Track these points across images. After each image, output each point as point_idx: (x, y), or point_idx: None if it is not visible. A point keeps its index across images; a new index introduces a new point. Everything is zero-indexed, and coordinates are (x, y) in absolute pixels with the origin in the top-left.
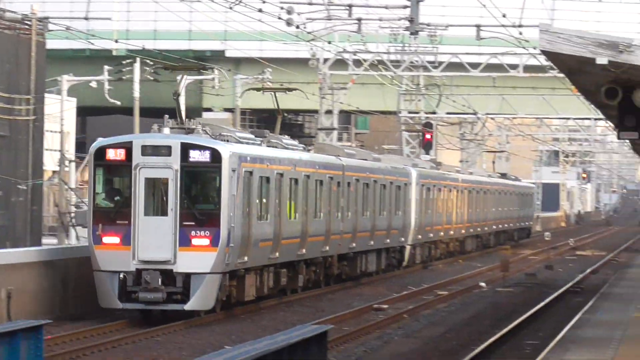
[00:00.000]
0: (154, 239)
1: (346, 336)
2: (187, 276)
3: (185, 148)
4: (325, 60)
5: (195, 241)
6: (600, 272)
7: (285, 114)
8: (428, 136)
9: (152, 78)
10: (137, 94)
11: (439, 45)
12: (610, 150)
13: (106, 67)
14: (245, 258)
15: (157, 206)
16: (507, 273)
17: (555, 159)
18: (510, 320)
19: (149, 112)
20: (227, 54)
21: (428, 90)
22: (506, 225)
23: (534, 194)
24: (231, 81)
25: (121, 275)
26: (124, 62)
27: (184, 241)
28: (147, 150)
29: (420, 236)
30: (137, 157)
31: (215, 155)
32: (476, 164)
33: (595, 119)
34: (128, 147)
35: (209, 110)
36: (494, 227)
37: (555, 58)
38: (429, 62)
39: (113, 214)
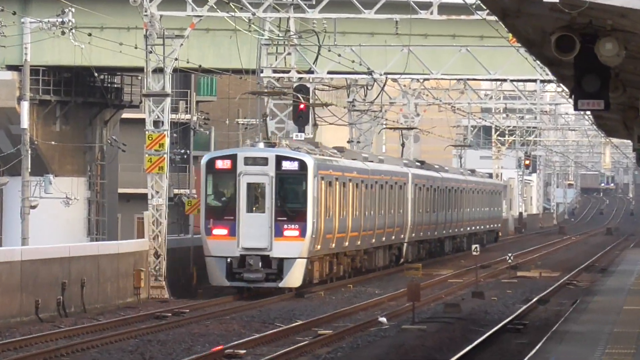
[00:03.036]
0: (254, 231)
1: None
2: (281, 260)
3: (279, 159)
4: None
5: (286, 233)
6: (552, 302)
7: (96, 74)
8: (302, 105)
9: None
10: None
11: None
12: (564, 126)
13: None
14: (318, 247)
15: (256, 205)
16: (417, 303)
17: (485, 139)
18: None
19: None
20: None
21: (302, 40)
22: (477, 227)
23: (502, 192)
24: (17, 26)
25: (228, 260)
26: None
27: (278, 232)
28: (248, 161)
29: (414, 234)
30: (240, 166)
31: (303, 165)
32: (371, 144)
33: (543, 82)
34: (233, 159)
35: None
36: (468, 228)
37: None
38: (303, 0)
39: (221, 211)
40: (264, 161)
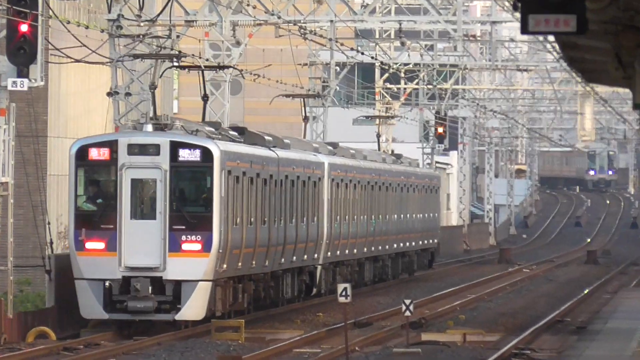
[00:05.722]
0: (141, 244)
1: None
2: (178, 284)
3: (175, 147)
4: None
5: (185, 246)
6: None
7: None
8: (24, 27)
9: None
10: None
11: None
12: (507, 63)
13: None
14: (225, 266)
15: (144, 209)
16: None
17: (364, 88)
18: None
19: None
20: None
21: None
22: (406, 243)
23: (439, 187)
24: None
25: (107, 284)
26: None
27: (174, 246)
28: (133, 149)
29: (329, 253)
30: (122, 156)
31: (207, 154)
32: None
33: None
34: (112, 146)
35: None
36: (395, 245)
37: None
38: None
39: (97, 217)
40: (154, 149)
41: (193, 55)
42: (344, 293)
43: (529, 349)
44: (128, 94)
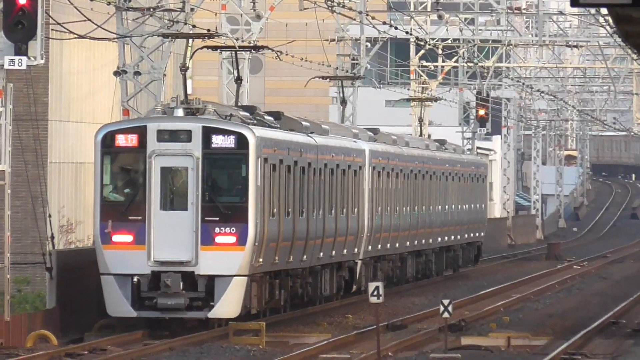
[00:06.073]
0: (172, 236)
1: None
2: (211, 279)
3: (208, 133)
4: None
5: (219, 239)
6: None
7: None
8: (23, 0)
9: None
10: None
11: None
12: (556, 39)
13: None
14: (261, 260)
15: (175, 199)
16: None
17: (397, 65)
18: None
19: None
20: None
21: None
22: (451, 236)
23: (486, 175)
24: None
25: (135, 279)
26: None
27: (207, 239)
28: (163, 136)
29: (370, 247)
30: (152, 143)
31: (242, 140)
32: (163, 79)
33: None
34: (141, 132)
35: None
36: (439, 238)
37: None
38: None
39: (124, 208)
40: (185, 136)
41: (234, 37)
42: (375, 292)
43: (579, 354)
44: (137, 73)
